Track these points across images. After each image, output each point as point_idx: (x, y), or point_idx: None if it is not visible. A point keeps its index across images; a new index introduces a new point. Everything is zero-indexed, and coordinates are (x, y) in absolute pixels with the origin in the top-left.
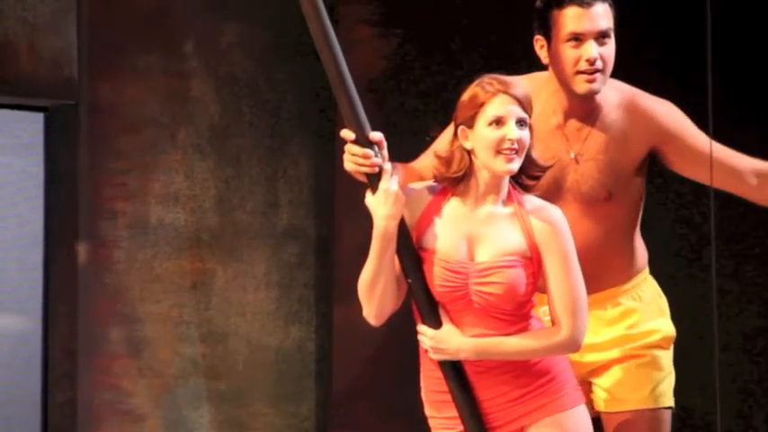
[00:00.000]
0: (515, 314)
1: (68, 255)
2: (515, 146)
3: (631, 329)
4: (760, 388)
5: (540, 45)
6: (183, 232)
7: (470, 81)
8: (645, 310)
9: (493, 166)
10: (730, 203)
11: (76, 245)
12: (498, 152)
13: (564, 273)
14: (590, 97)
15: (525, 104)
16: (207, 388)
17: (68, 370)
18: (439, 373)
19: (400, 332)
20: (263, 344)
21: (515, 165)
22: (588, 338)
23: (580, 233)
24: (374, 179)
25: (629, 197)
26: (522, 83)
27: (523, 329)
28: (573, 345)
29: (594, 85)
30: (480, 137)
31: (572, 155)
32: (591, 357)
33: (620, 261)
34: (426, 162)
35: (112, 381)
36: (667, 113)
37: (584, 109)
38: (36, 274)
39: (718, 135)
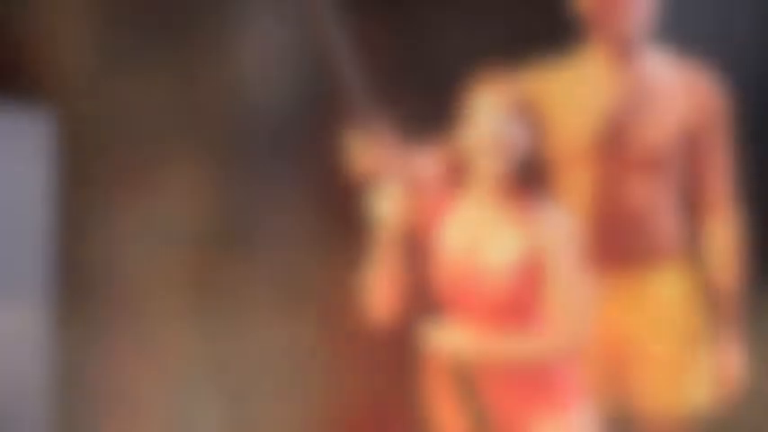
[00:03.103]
0: (516, 316)
1: (76, 254)
2: (499, 144)
3: (667, 312)
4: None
5: None
6: (190, 229)
7: (474, 81)
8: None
9: (482, 165)
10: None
11: (84, 244)
12: (484, 151)
13: (565, 278)
14: (628, 35)
15: (513, 104)
16: (215, 385)
17: (74, 367)
18: (441, 372)
19: (403, 331)
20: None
21: (503, 164)
22: (624, 317)
23: (622, 193)
24: (378, 176)
25: (672, 165)
26: (515, 83)
27: (526, 332)
28: (573, 350)
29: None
30: (470, 136)
31: (615, 104)
32: (628, 338)
33: (659, 234)
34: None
35: (119, 377)
36: (722, 108)
37: (623, 47)
38: (43, 273)
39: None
